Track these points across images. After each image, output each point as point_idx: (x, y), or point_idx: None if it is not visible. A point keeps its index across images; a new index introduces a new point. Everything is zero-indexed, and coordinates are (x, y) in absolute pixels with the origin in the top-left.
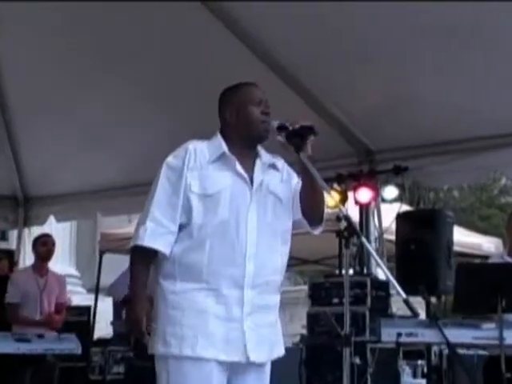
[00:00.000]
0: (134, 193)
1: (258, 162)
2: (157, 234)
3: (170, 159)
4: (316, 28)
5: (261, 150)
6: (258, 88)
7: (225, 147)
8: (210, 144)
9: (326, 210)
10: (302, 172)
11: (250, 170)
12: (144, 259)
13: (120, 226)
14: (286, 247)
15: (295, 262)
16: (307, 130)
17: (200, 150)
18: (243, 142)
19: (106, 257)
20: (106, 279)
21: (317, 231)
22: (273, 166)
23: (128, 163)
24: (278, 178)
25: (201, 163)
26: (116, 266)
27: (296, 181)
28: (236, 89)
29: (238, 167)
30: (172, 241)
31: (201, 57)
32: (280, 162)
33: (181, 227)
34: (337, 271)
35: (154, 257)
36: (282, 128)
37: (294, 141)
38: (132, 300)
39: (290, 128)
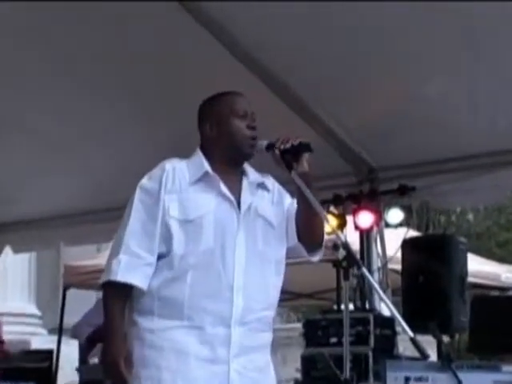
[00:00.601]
0: (104, 219)
1: (244, 182)
2: (132, 267)
3: (144, 181)
4: (309, 30)
5: (247, 167)
6: (242, 98)
7: (207, 166)
8: (190, 163)
9: None
10: (297, 192)
11: (236, 191)
12: (119, 295)
13: (87, 256)
14: (279, 278)
15: (287, 296)
16: (301, 147)
17: (179, 170)
18: (226, 159)
19: (71, 293)
20: (71, 318)
21: (315, 258)
22: (262, 186)
23: (96, 184)
24: (269, 199)
25: (180, 185)
26: (82, 303)
27: (289, 201)
28: (217, 99)
29: (223, 188)
30: (149, 273)
31: (181, 62)
32: (270, 182)
33: (160, 257)
34: (335, 306)
35: (129, 292)
36: (271, 148)
37: (286, 157)
38: (107, 341)
39: (282, 147)
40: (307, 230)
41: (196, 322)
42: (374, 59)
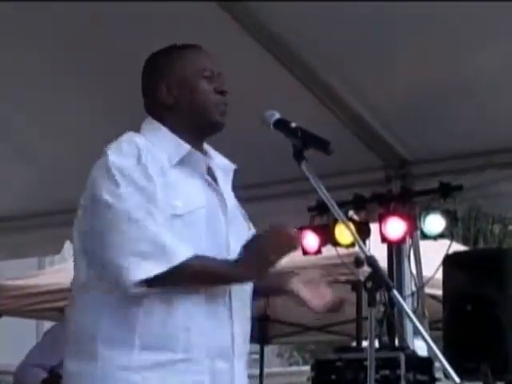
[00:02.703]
0: (48, 224)
1: (213, 166)
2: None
3: (117, 159)
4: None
5: (207, 147)
6: (208, 54)
7: (185, 143)
8: (156, 139)
9: (335, 252)
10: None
11: (212, 178)
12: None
13: (25, 274)
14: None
15: (290, 330)
16: (318, 143)
17: (154, 147)
18: (191, 132)
19: (4, 322)
20: (4, 356)
21: None
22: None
23: (43, 178)
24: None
25: (162, 166)
26: (19, 335)
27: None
28: (177, 53)
29: (206, 174)
30: None
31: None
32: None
33: None
34: (354, 343)
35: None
36: (281, 125)
37: (295, 142)
38: (247, 266)
39: (295, 129)
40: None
41: (193, 354)
42: (407, 22)
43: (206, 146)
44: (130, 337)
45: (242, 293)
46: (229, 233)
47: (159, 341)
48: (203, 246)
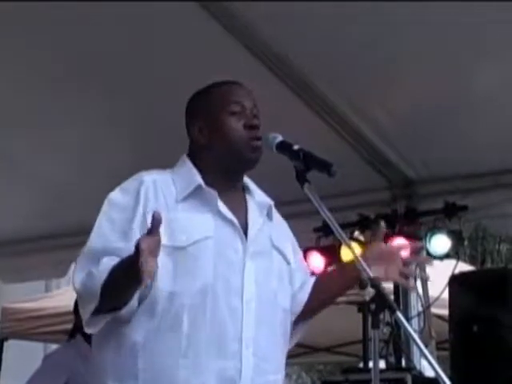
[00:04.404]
0: (54, 246)
1: (250, 201)
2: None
3: (114, 194)
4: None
5: (249, 182)
6: (238, 88)
7: (199, 178)
8: (175, 174)
9: None
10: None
11: (239, 211)
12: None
13: (32, 297)
14: (286, 333)
15: (298, 351)
16: (320, 165)
17: (162, 183)
18: (223, 170)
19: (11, 345)
20: (11, 380)
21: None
22: (271, 210)
23: (48, 199)
24: (280, 230)
25: (166, 202)
26: (26, 359)
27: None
28: (206, 92)
29: (222, 207)
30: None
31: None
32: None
33: (141, 299)
34: (361, 364)
35: None
36: (283, 147)
37: (297, 165)
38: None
39: (297, 151)
40: (316, 310)
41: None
42: (413, 41)
43: (246, 180)
44: (133, 369)
45: (262, 325)
46: (247, 264)
47: (159, 373)
48: (210, 276)
